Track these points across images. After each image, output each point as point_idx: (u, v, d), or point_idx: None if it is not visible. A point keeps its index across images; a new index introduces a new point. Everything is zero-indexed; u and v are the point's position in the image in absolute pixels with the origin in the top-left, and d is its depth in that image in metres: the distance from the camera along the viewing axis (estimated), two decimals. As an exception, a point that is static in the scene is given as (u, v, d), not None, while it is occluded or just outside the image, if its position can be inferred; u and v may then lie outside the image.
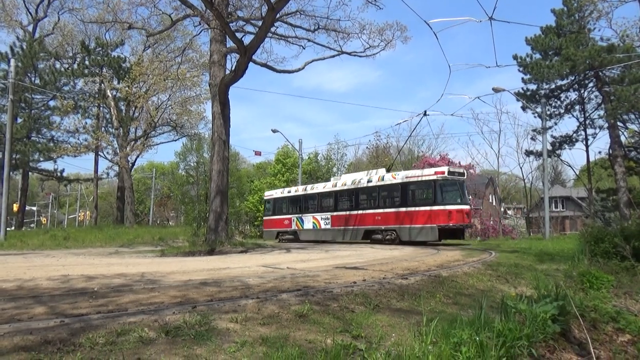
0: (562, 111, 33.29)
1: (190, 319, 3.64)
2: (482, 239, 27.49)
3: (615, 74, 28.69)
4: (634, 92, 25.95)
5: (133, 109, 33.36)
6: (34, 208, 69.73)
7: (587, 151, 33.08)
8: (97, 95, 32.83)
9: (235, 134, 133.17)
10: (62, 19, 34.27)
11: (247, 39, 15.44)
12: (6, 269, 8.41)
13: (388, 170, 22.33)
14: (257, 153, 40.72)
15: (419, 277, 6.80)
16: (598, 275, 6.73)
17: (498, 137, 47.46)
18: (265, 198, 28.84)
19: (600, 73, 29.15)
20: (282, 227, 26.39)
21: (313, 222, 24.46)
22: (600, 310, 4.96)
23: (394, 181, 20.38)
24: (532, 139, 34.62)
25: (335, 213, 23.26)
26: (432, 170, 19.50)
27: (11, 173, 25.94)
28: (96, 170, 36.62)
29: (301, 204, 25.68)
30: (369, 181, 21.71)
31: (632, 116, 29.91)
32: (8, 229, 22.92)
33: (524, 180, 40.70)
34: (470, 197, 32.86)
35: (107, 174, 38.18)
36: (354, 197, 22.41)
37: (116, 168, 34.74)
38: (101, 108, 33.71)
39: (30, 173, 35.89)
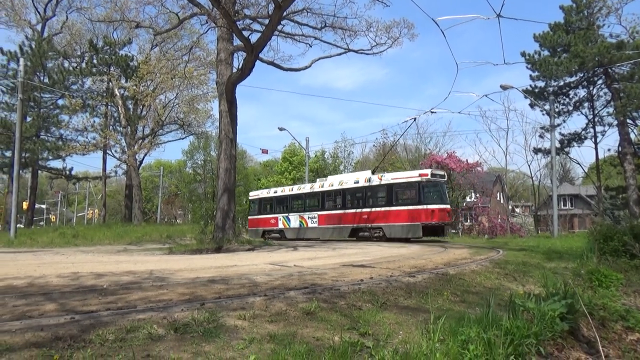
0: (570, 108, 33.03)
1: (198, 316, 3.67)
2: (489, 237, 27.37)
3: (625, 71, 28.42)
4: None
5: (141, 107, 33.52)
6: (43, 206, 70.28)
7: (596, 149, 32.87)
8: (105, 94, 33.03)
9: (242, 132, 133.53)
10: (70, 18, 34.52)
11: (254, 37, 15.46)
12: (17, 267, 8.50)
13: (374, 172, 23.70)
14: (264, 151, 40.73)
15: (426, 275, 6.80)
16: (607, 273, 6.69)
17: (506, 135, 47.42)
18: (250, 198, 29.83)
19: (610, 70, 28.89)
20: (268, 226, 27.06)
21: (300, 221, 25.55)
22: (609, 309, 4.94)
23: (380, 182, 21.72)
24: (540, 136, 34.45)
25: (322, 212, 24.46)
26: (417, 172, 21.11)
27: (21, 171, 26.16)
28: (104, 169, 36.84)
29: (288, 204, 26.81)
30: (355, 182, 23.03)
31: (642, 113, 29.63)
32: (18, 226, 23.14)
33: (532, 178, 40.53)
34: (478, 194, 32.84)
35: (115, 172, 38.48)
36: (341, 197, 23.68)
37: (124, 166, 34.95)
38: (109, 107, 33.89)
39: (39, 171, 36.21)
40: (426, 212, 19.74)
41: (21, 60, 23.90)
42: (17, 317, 3.69)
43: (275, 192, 28.16)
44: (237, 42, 17.20)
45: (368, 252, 12.75)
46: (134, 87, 30.71)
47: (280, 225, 26.52)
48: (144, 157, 36.20)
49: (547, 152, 33.24)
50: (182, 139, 40.26)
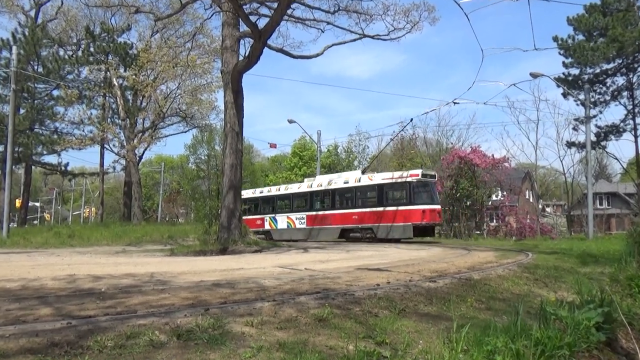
0: (607, 98, 32.60)
1: (202, 322, 3.69)
2: (517, 239, 27.17)
3: (669, 57, 27.95)
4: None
5: (140, 98, 33.77)
6: (37, 204, 71.26)
7: (636, 142, 32.35)
8: (102, 84, 33.33)
9: (249, 125, 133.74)
10: (66, 3, 34.80)
11: (262, 23, 15.49)
12: (10, 268, 8.65)
13: (364, 172, 25.10)
14: (272, 145, 40.81)
15: (448, 279, 6.78)
16: (648, 279, 6.58)
17: (536, 127, 46.98)
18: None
19: (652, 55, 28.42)
20: (254, 227, 27.54)
21: (287, 222, 26.65)
22: (651, 318, 4.86)
23: (371, 182, 23.14)
24: (574, 129, 34.07)
25: (310, 213, 25.65)
26: (407, 172, 22.60)
27: (13, 167, 26.56)
28: (102, 164, 37.29)
29: (275, 204, 27.93)
30: (345, 182, 24.36)
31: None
32: (11, 225, 23.51)
33: (564, 174, 40.09)
34: (505, 192, 32.58)
35: (114, 167, 38.88)
36: (330, 197, 24.94)
37: (123, 162, 35.31)
38: (107, 98, 34.19)
39: (33, 167, 36.70)
40: (417, 213, 21.10)
41: (14, 49, 24.17)
42: (10, 321, 3.75)
43: (262, 192, 29.34)
44: (243, 27, 17.24)
45: (385, 255, 12.75)
46: (134, 77, 30.94)
47: (267, 227, 27.55)
48: (144, 152, 36.56)
49: (581, 146, 32.84)
50: (185, 132, 40.54)
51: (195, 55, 28.91)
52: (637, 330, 4.54)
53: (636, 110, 32.02)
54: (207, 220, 17.60)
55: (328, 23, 20.23)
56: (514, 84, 26.02)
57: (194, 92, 33.85)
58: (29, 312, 4.20)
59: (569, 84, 31.03)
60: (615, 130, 32.94)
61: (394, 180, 22.30)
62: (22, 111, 31.51)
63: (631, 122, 32.32)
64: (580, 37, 31.12)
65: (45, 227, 30.33)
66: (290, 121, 34.69)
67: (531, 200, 46.16)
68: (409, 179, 21.69)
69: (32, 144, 31.54)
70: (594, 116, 31.69)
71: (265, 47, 15.78)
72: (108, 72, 32.50)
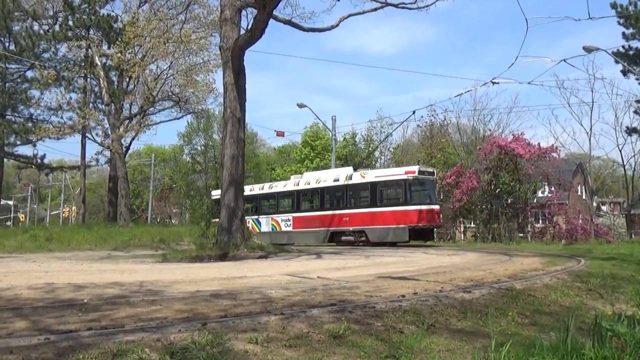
0: (676, 76, 32.05)
1: (199, 339, 3.72)
2: (567, 243, 26.93)
3: None
4: None
5: (127, 80, 33.94)
6: (10, 202, 72.25)
7: None
8: (83, 64, 33.49)
9: (252, 110, 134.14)
10: (41, -30, 35.09)
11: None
12: (-20, 276, 8.79)
13: (356, 169, 25.62)
14: (280, 134, 40.71)
15: (486, 290, 6.78)
16: None
17: (590, 111, 45.76)
18: (214, 198, 30.68)
19: None
20: None
21: (272, 224, 27.41)
22: None
23: (363, 180, 23.89)
24: (635, 112, 33.60)
25: (297, 214, 26.53)
26: (403, 169, 23.61)
27: (-17, 160, 26.93)
28: (83, 156, 37.46)
29: (258, 205, 28.49)
30: (335, 180, 25.14)
31: None
32: (-20, 227, 23.89)
33: (623, 166, 39.59)
34: (553, 188, 32.31)
35: (97, 160, 39.01)
36: (319, 197, 25.79)
37: (107, 153, 35.48)
38: (88, 79, 34.37)
39: (5, 160, 37.10)
40: (413, 214, 21.89)
41: (-18, 23, 24.44)
42: (-19, 336, 3.81)
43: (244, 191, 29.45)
44: (245, -4, 17.24)
45: (411, 261, 12.75)
46: (119, 55, 31.08)
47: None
48: (131, 142, 36.77)
49: (644, 133, 32.42)
50: (178, 119, 40.59)
51: (190, 29, 28.96)
52: None
53: None
54: (205, 220, 17.67)
55: (344, -11, 20.12)
56: (564, 60, 25.43)
57: (188, 72, 33.93)
58: (1, 325, 4.27)
59: (629, 59, 30.59)
60: (685, 114, 32.47)
61: (388, 178, 23.29)
62: (-9, 95, 31.84)
63: None
64: (644, 3, 30.66)
65: (19, 229, 30.74)
66: (301, 105, 34.70)
67: (584, 197, 45.73)
68: (404, 176, 22.50)
69: (3, 133, 31.87)
70: (660, 97, 31.25)
71: (271, 19, 15.78)
72: (89, 50, 32.67)
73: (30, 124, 33.03)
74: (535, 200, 32.92)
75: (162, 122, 40.63)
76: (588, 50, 24.33)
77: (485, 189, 30.71)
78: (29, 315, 4.80)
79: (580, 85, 73.92)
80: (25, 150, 35.53)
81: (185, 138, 62.77)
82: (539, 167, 30.70)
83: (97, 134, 34.92)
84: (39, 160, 36.24)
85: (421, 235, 23.13)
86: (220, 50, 18.09)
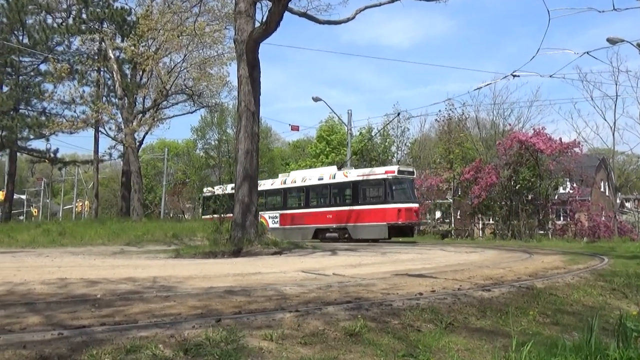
0: None
1: (214, 335, 3.74)
2: (590, 240, 26.70)
3: None
4: None
5: (140, 73, 34.09)
6: (23, 197, 73.09)
7: None
8: (96, 57, 33.72)
9: (266, 104, 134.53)
10: (54, -37, 35.35)
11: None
12: (-7, 270, 8.91)
13: (339, 168, 27.31)
14: (294, 128, 40.76)
15: (506, 288, 6.75)
16: None
17: (614, 105, 45.23)
18: (204, 195, 31.59)
19: None
20: None
21: (260, 222, 27.29)
22: None
23: (346, 179, 25.49)
24: (661, 106, 33.06)
25: (284, 211, 28.03)
26: (383, 169, 25.05)
27: (-4, 154, 27.26)
28: (96, 151, 37.75)
29: None
30: (319, 179, 26.71)
31: None
32: (-6, 221, 24.18)
33: (648, 162, 39.03)
34: (575, 184, 31.99)
35: (110, 154, 39.29)
36: (305, 195, 27.21)
37: (120, 148, 35.72)
38: (102, 72, 34.61)
39: (18, 154, 37.53)
40: (393, 212, 23.24)
41: (-5, 17, 24.68)
42: (-6, 331, 3.85)
43: (232, 188, 29.53)
44: (260, -13, 17.23)
45: (428, 258, 12.74)
46: (132, 48, 31.21)
47: None
48: (144, 136, 36.85)
49: (670, 128, 31.98)
50: (192, 112, 40.69)
51: (204, 22, 28.98)
52: None
53: None
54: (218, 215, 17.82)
55: (361, -19, 20.07)
56: (587, 52, 24.99)
57: (202, 66, 33.94)
58: (15, 320, 4.32)
59: (655, 52, 30.15)
60: None
61: (369, 177, 24.74)
62: (5, 89, 32.17)
63: None
64: (671, -7, 30.17)
65: (32, 224, 31.06)
66: (316, 99, 34.65)
67: (607, 193, 45.20)
68: (384, 176, 23.97)
69: (17, 127, 32.12)
70: (687, 91, 30.77)
71: (286, 11, 15.74)
72: (103, 43, 32.86)
73: (43, 118, 33.28)
74: (556, 197, 32.63)
75: (176, 116, 40.76)
76: (612, 42, 23.98)
77: (504, 185, 30.51)
78: (42, 310, 4.85)
79: (604, 78, 73.31)
80: (39, 144, 36.03)
81: (199, 132, 63.07)
82: (561, 163, 30.44)
83: (110, 128, 35.16)
84: (52, 155, 36.55)
85: (401, 232, 24.37)
86: (234, 43, 18.09)
